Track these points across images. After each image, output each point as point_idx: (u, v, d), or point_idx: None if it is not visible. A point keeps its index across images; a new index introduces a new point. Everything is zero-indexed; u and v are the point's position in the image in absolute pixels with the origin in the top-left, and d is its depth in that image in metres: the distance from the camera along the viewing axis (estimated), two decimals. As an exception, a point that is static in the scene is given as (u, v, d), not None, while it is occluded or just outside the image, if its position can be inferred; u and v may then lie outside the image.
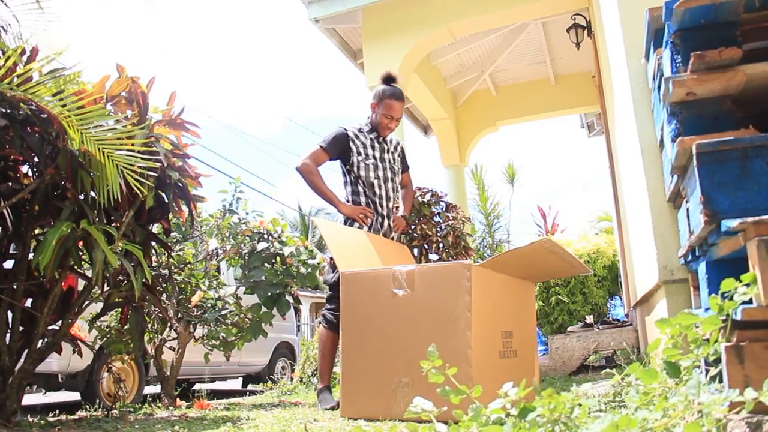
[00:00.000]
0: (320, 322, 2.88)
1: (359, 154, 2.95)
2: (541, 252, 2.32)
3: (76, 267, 2.31)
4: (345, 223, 2.92)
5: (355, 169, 2.94)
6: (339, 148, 2.95)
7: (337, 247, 2.50)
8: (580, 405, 1.06)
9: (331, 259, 2.85)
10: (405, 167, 3.24)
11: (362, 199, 2.95)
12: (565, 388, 2.11)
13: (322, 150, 2.93)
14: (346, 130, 3.00)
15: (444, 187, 7.84)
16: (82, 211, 2.15)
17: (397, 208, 3.18)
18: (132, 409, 3.06)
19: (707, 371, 1.29)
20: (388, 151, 3.08)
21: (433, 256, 4.12)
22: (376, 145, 3.02)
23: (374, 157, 2.98)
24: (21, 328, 2.24)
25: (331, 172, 3.05)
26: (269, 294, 3.74)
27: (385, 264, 2.62)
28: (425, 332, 2.08)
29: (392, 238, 3.04)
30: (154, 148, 2.34)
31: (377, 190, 2.96)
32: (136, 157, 2.09)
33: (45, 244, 1.92)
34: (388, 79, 3.05)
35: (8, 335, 2.20)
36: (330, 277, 2.82)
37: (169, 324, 3.48)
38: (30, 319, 2.27)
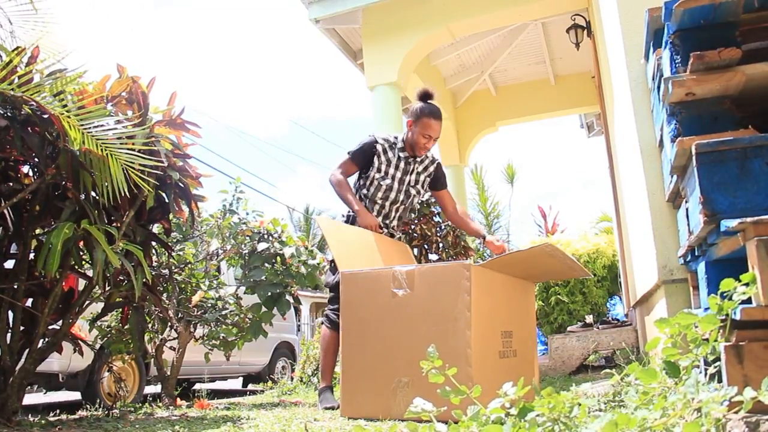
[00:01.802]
0: (322, 322, 2.87)
1: (378, 170, 2.88)
2: (542, 256, 2.32)
3: (76, 267, 2.31)
4: (347, 221, 2.92)
5: (368, 183, 2.90)
6: (364, 159, 2.90)
7: (338, 246, 2.50)
8: (580, 404, 1.06)
9: (332, 261, 2.85)
10: (440, 186, 3.09)
11: None
12: (564, 388, 2.11)
13: (350, 161, 2.90)
14: (376, 142, 2.90)
15: (444, 187, 7.83)
16: (82, 211, 2.15)
17: (483, 237, 2.92)
18: (132, 409, 3.07)
19: (706, 371, 1.29)
20: (414, 172, 2.96)
21: (432, 256, 4.13)
22: (402, 165, 2.92)
23: (392, 177, 2.90)
24: (22, 328, 2.25)
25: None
26: (269, 294, 3.74)
27: (386, 263, 2.61)
28: (425, 332, 2.08)
29: None
30: (155, 148, 2.35)
31: (377, 207, 2.91)
32: (138, 156, 2.09)
33: (50, 248, 1.92)
34: (425, 96, 2.90)
35: (9, 335, 2.21)
36: (331, 279, 2.82)
37: (169, 324, 3.48)
38: (31, 318, 2.27)
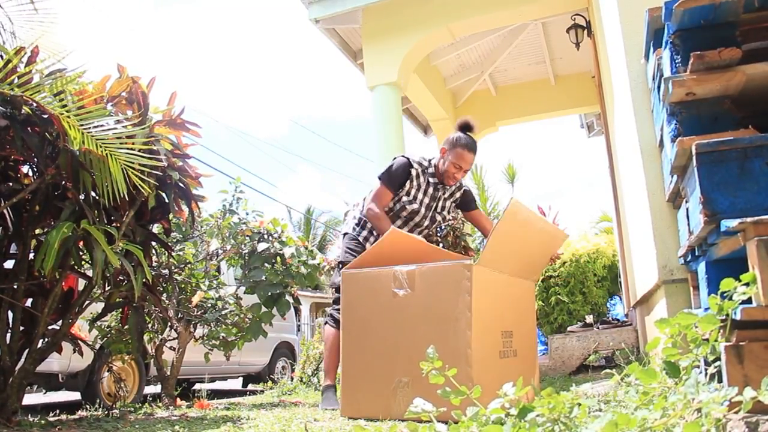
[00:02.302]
0: (326, 322, 2.86)
1: (408, 194, 2.84)
2: (520, 226, 2.28)
3: (76, 267, 2.31)
4: (359, 238, 2.87)
5: (395, 200, 2.84)
6: (398, 184, 2.82)
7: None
8: (580, 404, 1.06)
9: (340, 262, 2.84)
10: (470, 207, 3.08)
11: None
12: (564, 388, 2.11)
13: (385, 188, 2.80)
14: (410, 165, 2.83)
15: (444, 187, 7.82)
16: (82, 211, 2.15)
17: None
18: (132, 409, 3.07)
19: (706, 371, 1.29)
20: (441, 198, 2.94)
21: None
22: (430, 191, 2.89)
23: (420, 203, 2.86)
24: (21, 328, 2.25)
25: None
26: (269, 294, 3.74)
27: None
28: (425, 332, 2.08)
29: None
30: (155, 148, 2.35)
31: (398, 224, 2.87)
32: (138, 156, 2.09)
33: (48, 246, 1.92)
34: (465, 127, 2.84)
35: (9, 335, 2.21)
36: (337, 279, 2.81)
37: (169, 324, 3.48)
38: (30, 318, 2.27)
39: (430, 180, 2.88)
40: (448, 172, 2.82)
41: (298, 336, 8.73)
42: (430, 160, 2.92)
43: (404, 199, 2.84)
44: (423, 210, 2.88)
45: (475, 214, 3.09)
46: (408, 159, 2.85)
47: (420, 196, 2.86)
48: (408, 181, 2.82)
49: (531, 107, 8.14)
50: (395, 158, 2.88)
